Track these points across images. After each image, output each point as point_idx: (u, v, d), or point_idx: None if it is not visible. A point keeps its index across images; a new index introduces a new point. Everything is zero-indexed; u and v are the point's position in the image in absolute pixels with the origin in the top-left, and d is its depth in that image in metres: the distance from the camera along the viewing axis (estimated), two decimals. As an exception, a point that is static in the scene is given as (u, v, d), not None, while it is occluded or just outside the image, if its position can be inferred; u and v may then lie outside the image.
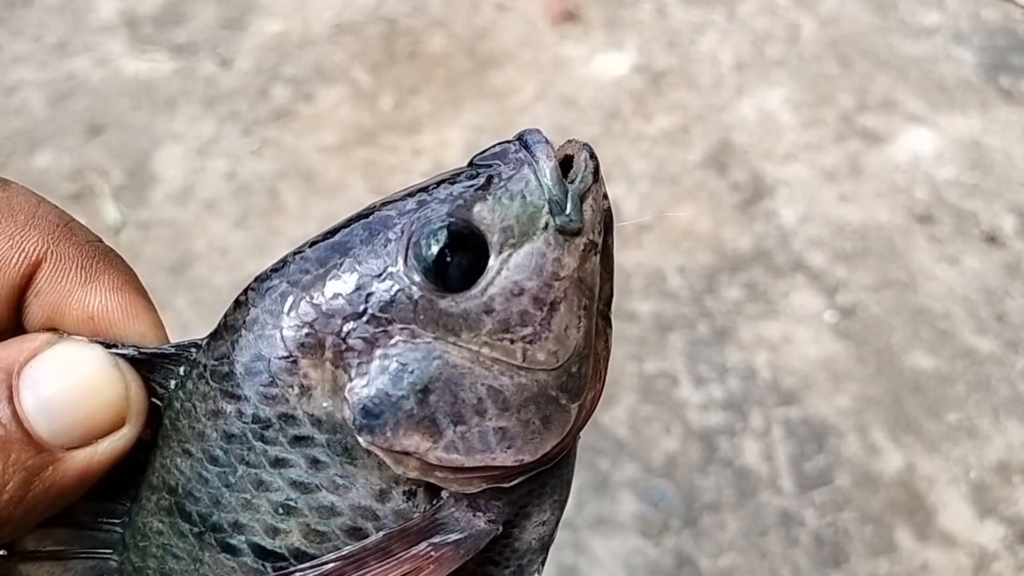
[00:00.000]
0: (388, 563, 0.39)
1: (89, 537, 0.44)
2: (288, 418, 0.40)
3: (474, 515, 0.41)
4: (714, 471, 1.66)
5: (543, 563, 0.45)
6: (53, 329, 0.42)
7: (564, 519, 1.44)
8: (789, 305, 1.87)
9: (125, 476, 0.43)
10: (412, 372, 0.39)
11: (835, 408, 1.73)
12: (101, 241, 0.44)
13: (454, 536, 0.41)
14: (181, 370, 0.42)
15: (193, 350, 0.42)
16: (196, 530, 0.42)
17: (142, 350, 0.42)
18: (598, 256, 0.42)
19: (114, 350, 0.41)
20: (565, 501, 0.45)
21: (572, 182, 0.41)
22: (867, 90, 2.25)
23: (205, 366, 0.41)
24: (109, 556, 0.44)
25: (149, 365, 0.42)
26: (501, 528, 0.42)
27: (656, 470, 1.66)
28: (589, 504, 1.62)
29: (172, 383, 0.42)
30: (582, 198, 0.41)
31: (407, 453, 0.39)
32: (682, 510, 1.61)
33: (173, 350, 0.42)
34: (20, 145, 2.16)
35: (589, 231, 0.41)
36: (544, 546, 0.45)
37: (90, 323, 0.42)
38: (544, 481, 0.43)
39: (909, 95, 2.23)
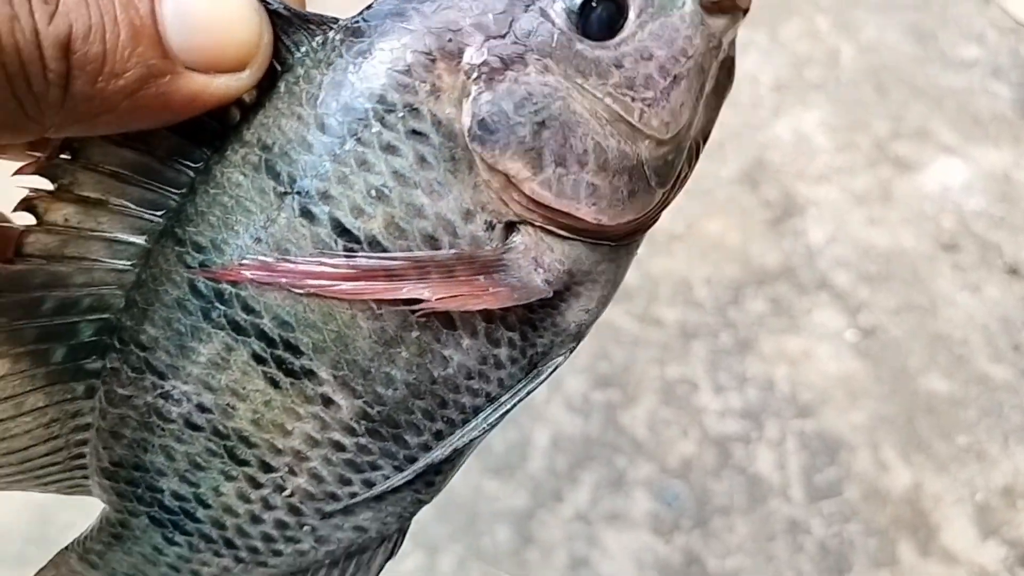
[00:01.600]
0: (447, 281, 0.41)
1: (158, 170, 0.42)
2: (413, 110, 0.41)
3: (535, 270, 0.43)
4: (727, 476, 1.71)
5: (571, 351, 0.47)
6: None
7: (579, 511, 1.51)
8: (811, 322, 1.92)
9: (209, 130, 0.43)
10: (535, 103, 0.41)
11: (849, 424, 1.78)
12: None
13: (512, 279, 0.42)
14: (315, 41, 0.42)
15: (334, 26, 0.43)
16: (281, 190, 0.42)
17: (289, 7, 0.42)
18: (718, 65, 0.45)
19: None
20: (607, 302, 0.47)
21: None
22: (902, 118, 2.29)
23: (342, 40, 0.42)
24: (171, 194, 0.43)
25: (286, 25, 0.42)
26: (552, 293, 0.44)
27: (671, 471, 1.72)
28: (604, 499, 1.68)
29: (302, 50, 0.42)
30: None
31: (504, 175, 0.42)
32: (694, 511, 1.67)
33: (317, 18, 0.42)
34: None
35: (721, 33, 0.44)
36: (579, 335, 0.47)
37: None
38: (602, 270, 0.46)
39: (943, 125, 2.27)
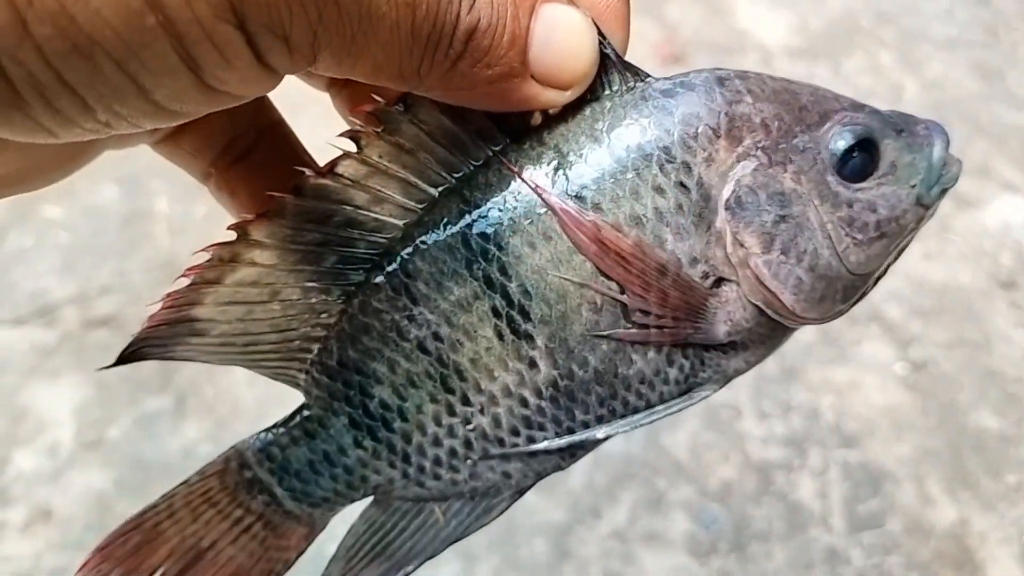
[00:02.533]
0: (655, 303, 0.50)
1: (464, 142, 0.50)
2: (687, 167, 0.50)
3: (724, 322, 0.52)
4: (767, 502, 1.71)
5: (719, 388, 0.55)
6: None
7: (616, 529, 1.53)
8: (860, 353, 1.91)
9: (513, 123, 0.51)
10: (783, 199, 0.50)
11: (895, 456, 1.76)
12: None
13: (702, 322, 0.52)
14: (626, 85, 0.51)
15: (642, 78, 0.51)
16: (562, 190, 0.50)
17: (617, 53, 0.50)
18: (912, 235, 0.54)
19: (601, 39, 0.49)
20: (764, 359, 0.55)
21: (944, 174, 0.53)
22: (964, 154, 2.25)
23: (650, 95, 0.50)
24: (468, 163, 0.51)
25: (608, 65, 0.50)
26: (727, 340, 0.52)
27: (711, 495, 1.72)
28: (642, 518, 1.69)
29: (613, 88, 0.51)
30: (943, 191, 0.53)
31: (740, 244, 0.50)
32: (731, 535, 1.67)
33: (633, 68, 0.51)
34: (157, 133, 2.36)
35: (927, 216, 0.53)
36: (730, 379, 0.55)
37: (603, 11, 0.49)
38: (773, 336, 0.54)
39: (1005, 163, 2.25)
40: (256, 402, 1.82)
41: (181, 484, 0.57)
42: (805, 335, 1.92)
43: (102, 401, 1.87)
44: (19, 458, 1.81)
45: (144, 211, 2.21)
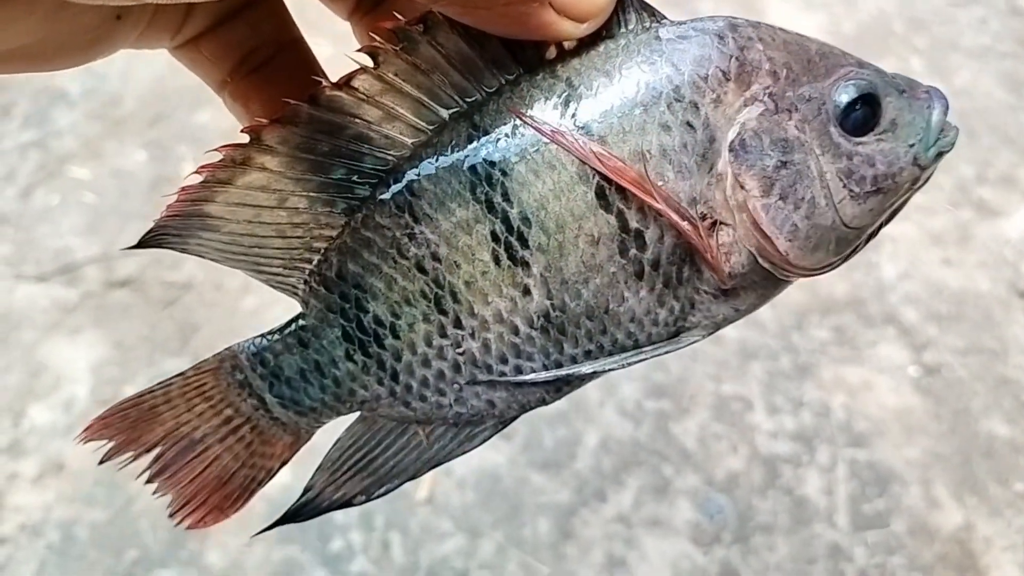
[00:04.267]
0: (661, 209, 0.50)
1: (479, 68, 0.51)
2: (695, 107, 0.51)
3: (725, 262, 0.52)
4: (773, 495, 1.71)
5: (707, 336, 0.55)
6: None
7: (621, 513, 1.54)
8: (875, 354, 1.91)
9: (528, 54, 0.51)
10: (785, 145, 0.51)
11: (903, 458, 1.76)
12: None
13: (700, 255, 0.52)
14: (643, 24, 0.52)
15: (659, 19, 0.52)
16: (569, 120, 0.51)
17: None
18: (907, 197, 0.55)
19: None
20: (752, 312, 0.56)
21: (942, 138, 0.54)
22: (989, 163, 2.27)
23: (664, 36, 0.52)
24: (481, 89, 0.52)
25: (626, 3, 0.51)
26: (723, 287, 0.53)
27: (717, 484, 1.72)
28: (647, 504, 1.70)
29: (629, 27, 0.52)
30: (938, 154, 0.54)
31: (740, 186, 0.51)
32: (735, 526, 1.67)
33: (650, 8, 0.52)
34: (185, 100, 2.38)
35: (922, 177, 0.54)
36: (718, 326, 0.55)
37: None
38: (764, 286, 0.54)
39: (1032, 174, 2.24)
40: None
41: (177, 375, 0.58)
42: (819, 333, 1.93)
43: (119, 360, 1.89)
44: (34, 411, 1.83)
45: (170, 176, 2.23)
